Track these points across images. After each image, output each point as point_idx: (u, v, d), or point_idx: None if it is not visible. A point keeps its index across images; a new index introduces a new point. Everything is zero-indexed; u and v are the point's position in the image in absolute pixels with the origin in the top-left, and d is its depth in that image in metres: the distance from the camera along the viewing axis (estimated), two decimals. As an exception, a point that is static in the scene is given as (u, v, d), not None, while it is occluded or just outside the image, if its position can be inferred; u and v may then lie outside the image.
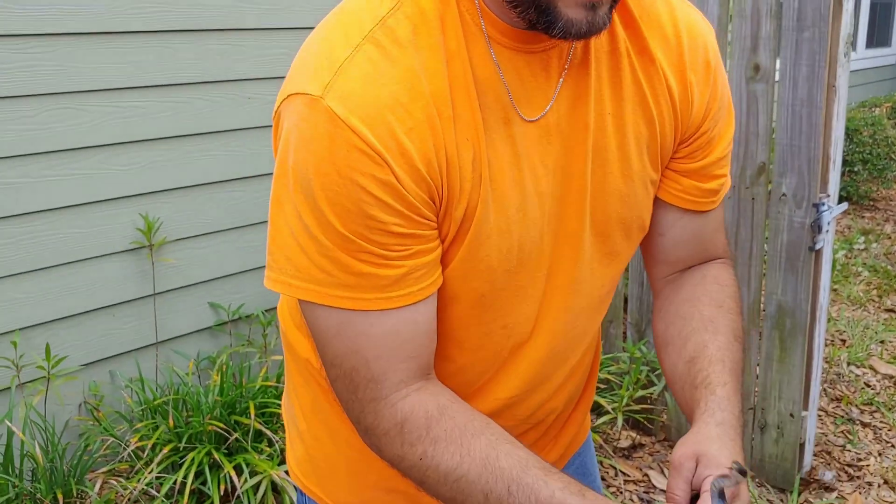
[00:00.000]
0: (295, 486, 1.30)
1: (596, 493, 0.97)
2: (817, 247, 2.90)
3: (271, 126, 1.00)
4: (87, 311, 2.90)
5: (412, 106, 0.93)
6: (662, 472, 3.13)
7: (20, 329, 2.73)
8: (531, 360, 1.13)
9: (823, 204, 2.86)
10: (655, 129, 1.08)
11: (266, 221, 1.02)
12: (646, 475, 3.12)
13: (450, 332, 1.07)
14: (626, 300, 3.45)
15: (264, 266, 1.01)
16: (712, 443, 1.02)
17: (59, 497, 2.47)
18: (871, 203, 6.85)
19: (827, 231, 2.91)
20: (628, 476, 3.10)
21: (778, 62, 2.90)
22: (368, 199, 0.92)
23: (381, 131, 0.91)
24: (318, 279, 0.95)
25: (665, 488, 3.04)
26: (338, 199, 0.92)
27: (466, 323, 1.06)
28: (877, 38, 9.93)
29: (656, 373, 3.36)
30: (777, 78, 2.91)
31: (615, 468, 3.12)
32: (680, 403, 1.13)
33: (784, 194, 2.92)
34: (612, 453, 3.20)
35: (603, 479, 3.01)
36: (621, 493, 3.02)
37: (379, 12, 0.96)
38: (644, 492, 3.04)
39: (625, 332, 3.54)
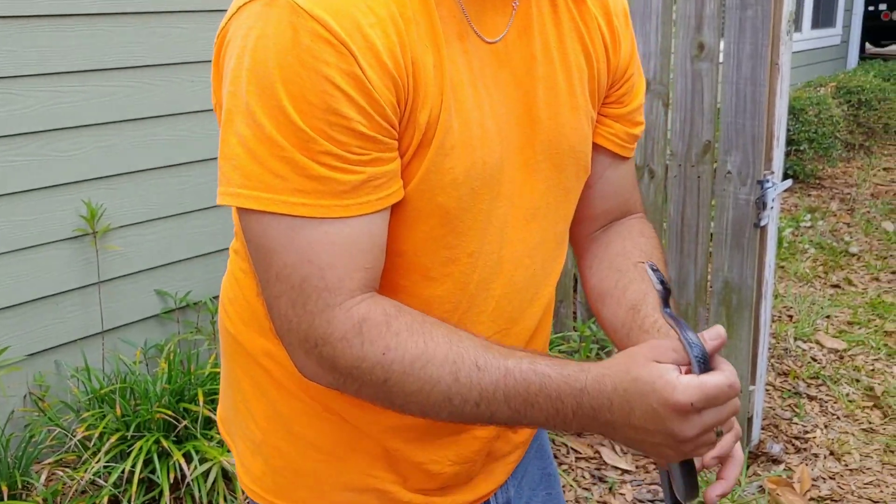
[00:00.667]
0: None
1: (553, 357, 0.98)
2: (762, 223, 2.93)
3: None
4: (30, 301, 2.84)
5: (374, 3, 0.92)
6: (614, 448, 3.16)
7: (-40, 320, 2.67)
8: (497, 296, 1.11)
9: (768, 181, 2.90)
10: (593, 66, 1.14)
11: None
12: (597, 452, 3.15)
13: (416, 257, 1.04)
14: (575, 280, 3.47)
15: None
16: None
17: (4, 489, 2.42)
18: (818, 181, 6.96)
19: (772, 208, 2.95)
20: (580, 453, 3.13)
21: (722, 41, 2.92)
22: (333, 91, 0.89)
23: (345, 23, 0.90)
24: (271, 185, 0.91)
25: (615, 464, 3.04)
26: (300, 92, 0.89)
27: (433, 246, 1.04)
28: (822, 18, 10.06)
29: (606, 350, 3.39)
30: (721, 57, 2.93)
31: (567, 445, 3.14)
32: (623, 348, 1.14)
33: (729, 172, 2.95)
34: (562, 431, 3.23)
35: (555, 456, 3.03)
36: (573, 470, 3.04)
37: None
38: (595, 469, 3.06)
39: (574, 312, 3.56)
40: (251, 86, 0.91)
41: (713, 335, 0.96)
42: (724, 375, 0.93)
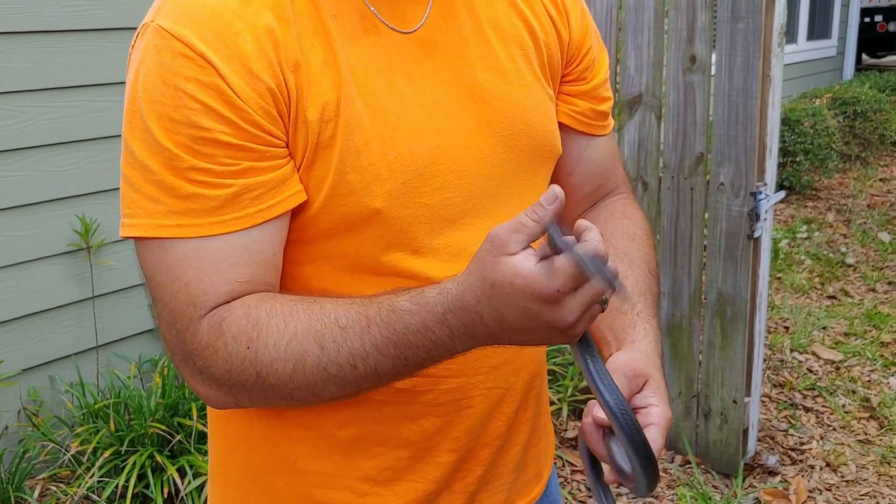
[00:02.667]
0: None
1: (415, 289, 0.91)
2: (756, 235, 2.94)
3: None
4: (24, 316, 2.84)
5: (244, 11, 0.92)
6: (609, 461, 3.15)
7: (-46, 335, 2.67)
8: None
9: (761, 192, 2.90)
10: (539, 41, 1.11)
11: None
12: (593, 465, 3.14)
13: (359, 259, 1.00)
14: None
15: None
16: (658, 371, 1.02)
17: (-3, 505, 2.42)
18: (813, 192, 6.97)
19: (765, 219, 2.95)
20: (575, 466, 3.12)
21: (714, 53, 2.93)
22: (192, 104, 0.89)
23: (207, 35, 0.90)
24: (147, 210, 0.91)
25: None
26: (163, 111, 0.89)
27: (375, 246, 1.00)
28: (817, 30, 10.09)
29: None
30: (713, 69, 2.94)
31: (562, 458, 3.13)
32: (600, 330, 1.10)
33: (722, 183, 2.96)
34: (558, 444, 3.22)
35: (550, 470, 3.03)
36: (568, 482, 3.04)
37: None
38: (591, 482, 3.06)
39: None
40: (127, 116, 0.92)
41: (548, 198, 0.84)
42: (579, 247, 0.82)
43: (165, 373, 2.86)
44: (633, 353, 1.03)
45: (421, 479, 1.09)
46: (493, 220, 1.05)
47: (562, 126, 1.17)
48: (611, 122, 1.25)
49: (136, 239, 0.93)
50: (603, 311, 0.88)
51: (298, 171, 0.95)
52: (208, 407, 1.18)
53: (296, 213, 0.96)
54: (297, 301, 0.93)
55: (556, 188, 0.85)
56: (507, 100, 1.07)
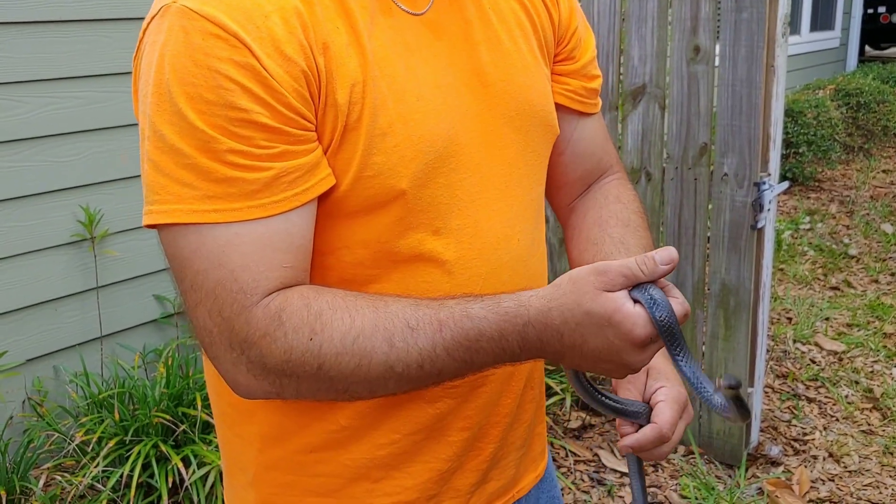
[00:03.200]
0: None
1: (487, 297, 0.94)
2: (759, 225, 2.94)
3: None
4: (28, 306, 2.85)
5: None
6: (612, 452, 3.16)
7: (-41, 325, 2.68)
8: (482, 275, 1.06)
9: (764, 183, 2.90)
10: (535, 22, 1.14)
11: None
12: (596, 455, 3.15)
13: (381, 244, 1.00)
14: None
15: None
16: (658, 355, 1.06)
17: (2, 494, 2.43)
18: (817, 184, 6.96)
19: (769, 210, 2.95)
20: (578, 456, 3.13)
21: (718, 43, 2.93)
22: (229, 85, 0.87)
23: (237, 15, 0.88)
24: (179, 195, 0.89)
25: (614, 467, 3.03)
26: (196, 92, 0.87)
27: (396, 230, 1.00)
28: (820, 21, 10.07)
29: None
30: (717, 59, 2.94)
31: (565, 449, 3.14)
32: None
33: (726, 174, 2.96)
34: (562, 434, 3.23)
35: (554, 459, 3.04)
36: (572, 473, 3.04)
37: None
38: (594, 471, 3.06)
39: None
40: (153, 98, 0.90)
41: (664, 258, 0.91)
42: (680, 304, 0.91)
43: (170, 363, 2.86)
44: (663, 360, 1.09)
45: (434, 460, 1.09)
46: (506, 201, 1.08)
47: (556, 106, 1.19)
48: (598, 101, 1.27)
49: (166, 226, 0.91)
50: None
51: (326, 153, 0.94)
52: (214, 405, 1.17)
53: (322, 197, 0.96)
54: (359, 296, 0.94)
55: (673, 252, 0.91)
56: (510, 81, 1.08)
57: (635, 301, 0.89)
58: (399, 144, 0.96)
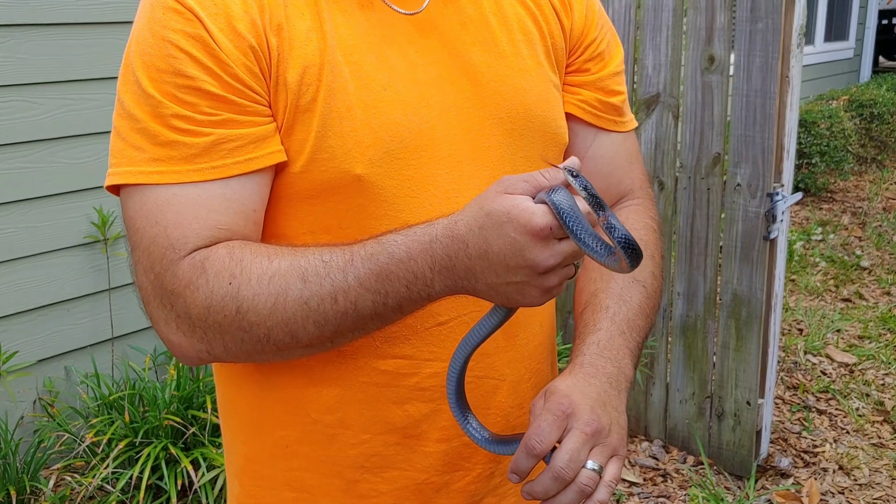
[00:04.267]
0: None
1: (401, 228, 0.92)
2: (772, 236, 2.93)
3: None
4: (40, 307, 2.86)
5: None
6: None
7: (-29, 325, 2.69)
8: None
9: (778, 193, 2.89)
10: (543, 31, 1.12)
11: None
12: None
13: (342, 230, 1.00)
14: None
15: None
16: (562, 381, 0.98)
17: (13, 493, 2.43)
18: (829, 195, 6.94)
19: (781, 220, 2.94)
20: (587, 465, 3.12)
21: (732, 53, 2.92)
22: (177, 54, 0.93)
23: None
24: (131, 158, 0.93)
25: (623, 476, 3.02)
26: (150, 60, 0.93)
27: (357, 216, 1.00)
28: (834, 32, 10.05)
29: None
30: (731, 69, 2.93)
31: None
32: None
33: (739, 184, 2.95)
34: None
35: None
36: None
37: None
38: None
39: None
40: (122, 71, 0.97)
41: (567, 164, 0.88)
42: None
43: (180, 365, 2.87)
44: (572, 381, 0.97)
45: (410, 468, 1.08)
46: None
47: (569, 117, 1.17)
48: (628, 119, 1.22)
49: (121, 189, 0.95)
50: (575, 275, 0.89)
51: (280, 132, 0.97)
52: (218, 393, 1.18)
53: (278, 177, 0.98)
54: (284, 246, 0.95)
55: (575, 160, 0.88)
56: (504, 82, 1.07)
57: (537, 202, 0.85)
58: (357, 129, 0.97)
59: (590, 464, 0.91)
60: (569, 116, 1.16)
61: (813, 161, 6.59)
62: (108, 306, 3.01)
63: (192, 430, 2.62)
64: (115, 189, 0.97)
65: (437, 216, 0.98)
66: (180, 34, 0.93)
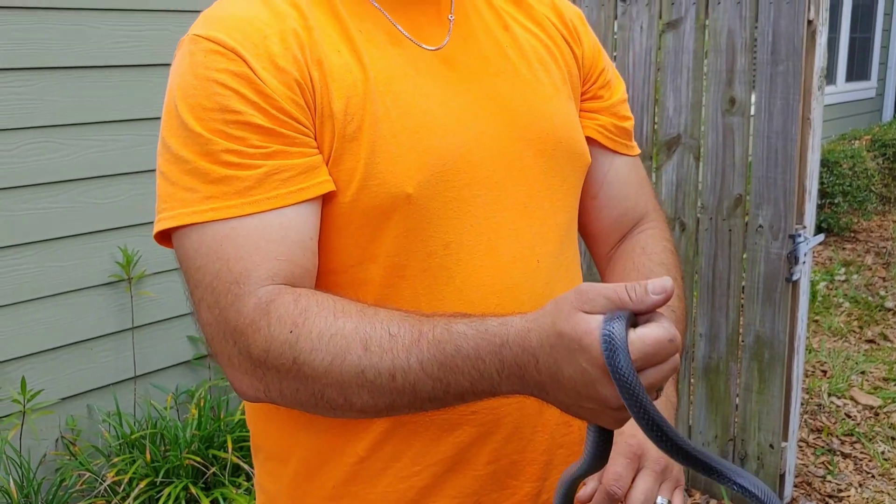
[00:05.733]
0: None
1: (479, 316, 0.87)
2: (794, 278, 2.91)
3: None
4: (64, 345, 2.88)
5: (272, 19, 0.99)
6: None
7: (-4, 363, 2.71)
8: (497, 293, 1.04)
9: (800, 235, 2.88)
10: (558, 58, 1.17)
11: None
12: None
13: (390, 257, 1.01)
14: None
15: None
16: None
17: (34, 533, 2.44)
18: (852, 235, 6.90)
19: (804, 262, 2.93)
20: None
21: (753, 95, 2.93)
22: (223, 91, 0.94)
23: (236, 35, 0.97)
24: (183, 200, 0.94)
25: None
26: (196, 101, 0.95)
27: (406, 241, 1.01)
28: (856, 71, 10.04)
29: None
30: (752, 111, 2.94)
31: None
32: None
33: (761, 226, 2.94)
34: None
35: None
36: None
37: None
38: None
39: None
40: (164, 117, 0.99)
41: (656, 287, 0.78)
42: (662, 328, 0.77)
43: (202, 404, 2.88)
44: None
45: (458, 493, 1.07)
46: (525, 221, 1.09)
47: (588, 141, 1.21)
48: (634, 145, 1.28)
49: (174, 232, 0.96)
50: (657, 398, 0.81)
51: (327, 164, 0.99)
52: (253, 445, 1.18)
53: (325, 209, 0.99)
54: (351, 302, 0.93)
55: (668, 281, 0.79)
56: (530, 107, 1.11)
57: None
58: (404, 154, 1.00)
59: (660, 500, 0.97)
60: (588, 140, 1.21)
61: (836, 201, 6.56)
62: (132, 345, 3.03)
63: (213, 469, 2.62)
64: (165, 236, 0.98)
65: (476, 238, 1.02)
66: (225, 73, 0.95)
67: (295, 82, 0.97)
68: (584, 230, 1.28)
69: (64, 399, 2.88)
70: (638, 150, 1.29)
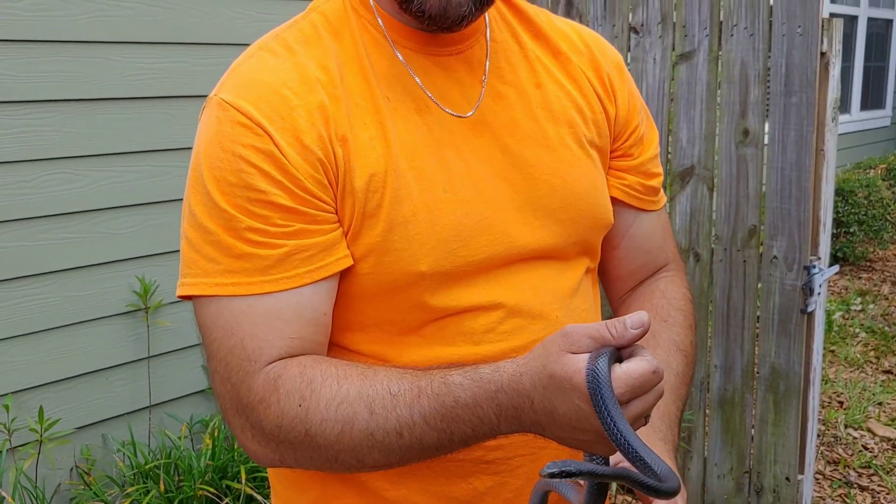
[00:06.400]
0: None
1: (472, 366, 0.93)
2: (809, 309, 2.90)
3: None
4: (81, 375, 2.89)
5: (300, 88, 0.99)
6: None
7: (13, 392, 2.72)
8: (506, 347, 1.06)
9: (814, 266, 2.88)
10: (588, 119, 1.15)
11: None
12: None
13: (405, 321, 1.03)
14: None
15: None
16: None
17: (48, 563, 2.44)
18: (868, 264, 6.87)
19: (819, 293, 2.92)
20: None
21: (767, 126, 2.94)
22: (248, 169, 0.95)
23: (264, 107, 0.97)
24: (205, 269, 0.96)
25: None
26: (221, 175, 0.96)
27: (419, 308, 1.03)
28: (871, 100, 10.03)
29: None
30: (766, 141, 2.94)
31: None
32: None
33: (775, 257, 2.94)
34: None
35: None
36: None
37: (279, 29, 1.06)
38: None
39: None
40: (190, 181, 1.00)
41: (634, 322, 0.85)
42: (645, 361, 0.83)
43: (216, 434, 2.88)
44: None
45: None
46: (544, 285, 1.10)
47: (612, 199, 1.21)
48: (661, 197, 1.27)
49: (195, 298, 0.99)
50: (644, 424, 0.88)
51: (346, 237, 1.00)
52: (270, 472, 1.20)
53: (344, 279, 1.01)
54: (352, 366, 0.97)
55: (645, 315, 0.86)
56: (556, 174, 1.10)
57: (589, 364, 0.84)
58: (421, 232, 1.01)
59: None
60: (613, 199, 1.21)
61: (851, 230, 6.54)
62: (147, 374, 3.04)
63: (227, 500, 2.62)
64: (188, 296, 1.01)
65: (488, 287, 1.04)
66: (250, 149, 0.96)
67: (318, 161, 0.97)
68: (602, 273, 1.29)
69: (79, 428, 2.89)
70: (664, 201, 1.29)
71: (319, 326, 1.00)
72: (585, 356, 0.84)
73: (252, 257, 0.95)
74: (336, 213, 0.99)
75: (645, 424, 0.88)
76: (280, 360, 0.96)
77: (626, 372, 0.82)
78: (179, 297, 1.01)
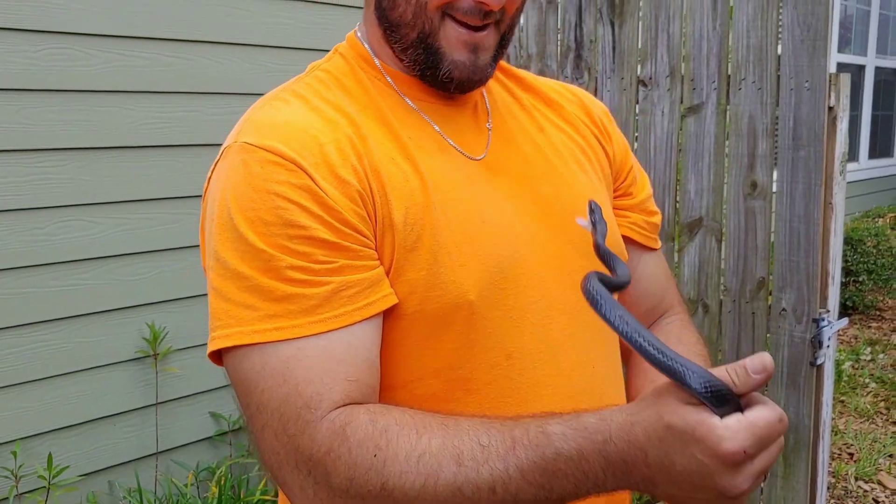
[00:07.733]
0: None
1: (567, 414, 0.86)
2: (818, 362, 2.90)
3: None
4: (88, 421, 2.90)
5: (324, 127, 0.97)
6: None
7: (21, 439, 2.73)
8: (559, 402, 1.01)
9: (823, 319, 2.87)
10: (590, 156, 1.19)
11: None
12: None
13: (453, 371, 0.99)
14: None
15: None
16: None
17: None
18: (877, 313, 6.84)
19: (828, 346, 2.91)
20: None
21: (775, 177, 2.95)
22: (286, 205, 0.90)
23: (294, 145, 0.94)
24: (240, 318, 0.90)
25: None
26: (256, 215, 0.90)
27: (468, 353, 0.99)
28: (879, 148, 10.06)
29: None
30: (774, 191, 2.96)
31: None
32: None
33: (784, 309, 2.94)
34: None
35: None
36: None
37: (289, 83, 1.05)
38: None
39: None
40: (217, 230, 0.94)
41: (756, 367, 0.80)
42: (770, 409, 0.78)
43: (222, 482, 2.87)
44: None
45: None
46: (577, 325, 1.08)
47: (622, 238, 1.22)
48: (658, 239, 1.31)
49: (230, 351, 0.91)
50: (765, 481, 0.83)
51: (388, 275, 0.96)
52: None
53: (391, 324, 0.96)
54: (429, 414, 0.90)
55: (767, 358, 0.81)
56: (573, 209, 1.11)
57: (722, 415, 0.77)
58: (466, 262, 0.98)
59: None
60: (622, 237, 1.23)
61: (860, 279, 6.53)
62: (155, 421, 3.04)
63: (233, 550, 2.61)
64: (217, 355, 0.94)
65: (531, 347, 1.01)
66: (286, 185, 0.91)
67: (357, 193, 0.94)
68: None
69: (86, 475, 2.88)
70: (660, 244, 1.32)
71: (374, 369, 0.93)
72: (704, 408, 0.78)
73: (296, 298, 0.89)
74: (376, 250, 0.95)
75: (764, 482, 0.84)
76: (343, 406, 0.88)
77: (752, 422, 0.76)
78: (210, 354, 0.94)
